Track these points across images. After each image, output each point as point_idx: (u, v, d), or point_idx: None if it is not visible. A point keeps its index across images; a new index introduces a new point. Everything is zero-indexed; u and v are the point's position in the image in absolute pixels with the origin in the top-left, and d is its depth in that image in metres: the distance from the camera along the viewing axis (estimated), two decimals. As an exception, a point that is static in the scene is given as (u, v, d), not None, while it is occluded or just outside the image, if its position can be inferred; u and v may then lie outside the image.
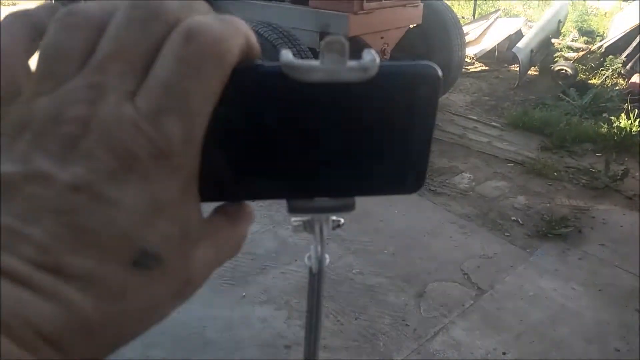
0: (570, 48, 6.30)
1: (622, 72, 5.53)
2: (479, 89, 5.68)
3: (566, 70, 5.55)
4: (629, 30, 5.76)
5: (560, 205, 3.32)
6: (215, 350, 2.15)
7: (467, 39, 5.76)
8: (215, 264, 0.24)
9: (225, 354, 2.14)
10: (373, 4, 3.80)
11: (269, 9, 4.16)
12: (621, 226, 3.10)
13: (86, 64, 0.20)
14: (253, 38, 0.22)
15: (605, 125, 4.30)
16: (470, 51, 6.25)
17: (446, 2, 5.01)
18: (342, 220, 0.30)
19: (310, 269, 0.31)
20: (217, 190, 0.24)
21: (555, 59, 6.01)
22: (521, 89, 5.61)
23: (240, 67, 0.22)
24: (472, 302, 2.46)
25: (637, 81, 4.93)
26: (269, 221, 3.04)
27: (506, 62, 6.43)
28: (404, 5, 4.12)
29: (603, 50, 5.90)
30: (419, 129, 0.25)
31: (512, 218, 3.18)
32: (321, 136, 0.24)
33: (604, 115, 4.53)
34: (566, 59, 5.98)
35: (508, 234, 3.01)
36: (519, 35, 6.42)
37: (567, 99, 4.90)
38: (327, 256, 0.31)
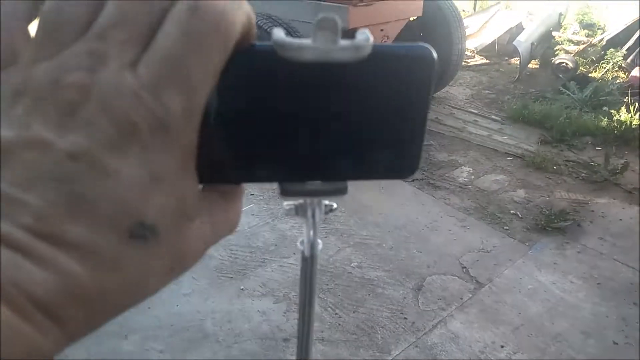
0: (571, 41, 6.29)
1: (623, 65, 5.53)
2: (479, 82, 5.67)
3: (567, 64, 5.54)
4: (630, 23, 5.75)
5: (560, 199, 3.32)
6: (213, 342, 2.15)
7: (468, 32, 5.74)
8: (210, 240, 0.24)
9: (223, 346, 2.14)
10: (373, -4, 3.79)
11: (268, 1, 4.14)
12: (620, 220, 3.10)
13: (88, 31, 0.20)
14: (253, 18, 0.22)
15: (606, 119, 4.29)
16: (471, 44, 6.25)
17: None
18: (335, 205, 0.30)
19: (303, 253, 0.30)
20: (211, 173, 0.24)
21: (556, 52, 6.01)
22: (521, 82, 5.60)
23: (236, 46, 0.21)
24: (470, 295, 2.46)
25: (638, 75, 4.92)
26: (267, 215, 3.04)
27: (507, 55, 6.42)
28: (404, -2, 4.11)
29: (604, 43, 5.89)
30: (413, 112, 0.24)
31: (512, 211, 3.18)
32: (314, 118, 0.23)
33: (604, 108, 4.53)
34: (567, 52, 5.97)
35: (507, 228, 3.01)
36: (519, 28, 6.41)
37: (568, 92, 4.90)
38: (319, 241, 0.31)
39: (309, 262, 0.31)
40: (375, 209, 3.10)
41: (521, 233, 2.97)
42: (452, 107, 4.88)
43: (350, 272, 2.58)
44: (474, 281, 2.56)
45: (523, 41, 5.53)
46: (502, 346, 2.18)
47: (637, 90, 4.70)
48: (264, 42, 0.22)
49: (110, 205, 0.18)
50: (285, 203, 0.29)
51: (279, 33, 0.21)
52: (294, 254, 2.69)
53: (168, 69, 0.19)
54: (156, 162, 0.19)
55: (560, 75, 5.44)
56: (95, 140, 0.18)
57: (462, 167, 3.74)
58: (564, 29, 6.53)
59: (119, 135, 0.19)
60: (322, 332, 2.20)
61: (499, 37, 6.41)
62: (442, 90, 5.11)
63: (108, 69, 0.19)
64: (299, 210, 0.30)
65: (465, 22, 5.70)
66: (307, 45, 0.21)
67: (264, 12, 3.77)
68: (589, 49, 5.91)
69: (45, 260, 0.17)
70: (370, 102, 0.23)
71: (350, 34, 0.21)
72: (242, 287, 2.47)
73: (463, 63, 5.23)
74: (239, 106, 0.23)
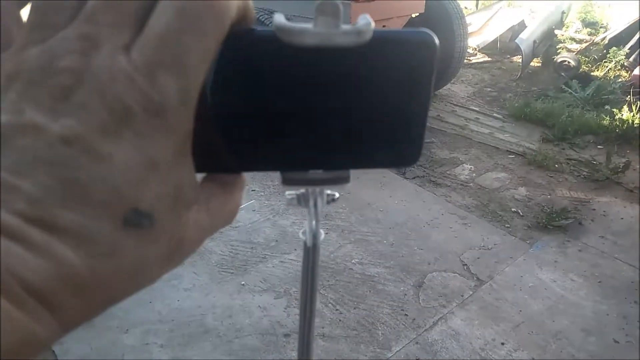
0: (573, 39, 6.27)
1: (625, 64, 5.51)
2: (481, 80, 5.66)
3: (569, 62, 5.53)
4: (633, 21, 5.73)
5: (561, 197, 3.32)
6: (214, 337, 2.16)
7: (470, 29, 5.73)
8: (208, 230, 0.24)
9: (224, 341, 2.14)
10: (375, -8, 3.78)
11: (270, -3, 4.14)
12: (622, 218, 3.10)
13: (78, 15, 0.19)
14: (250, 2, 0.22)
15: (607, 118, 4.28)
16: (473, 42, 6.23)
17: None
18: (337, 195, 0.30)
19: (305, 243, 0.30)
20: (211, 161, 0.24)
21: (558, 51, 5.99)
22: (523, 80, 5.59)
23: (235, 30, 0.21)
24: (471, 292, 2.46)
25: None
26: (268, 211, 3.04)
27: (509, 53, 6.41)
28: (407, -6, 4.11)
29: (606, 41, 5.87)
30: (415, 98, 0.24)
31: (513, 209, 3.17)
32: (315, 105, 0.23)
33: (606, 107, 4.52)
34: (569, 50, 5.95)
35: (508, 225, 3.01)
36: (522, 26, 6.39)
37: (570, 90, 4.89)
38: (322, 231, 0.31)
39: (311, 252, 0.31)
40: (376, 205, 3.10)
41: (522, 231, 2.96)
42: (454, 104, 4.87)
43: (351, 269, 2.58)
44: (475, 278, 2.56)
45: (525, 39, 5.51)
46: (503, 343, 2.18)
47: (639, 89, 4.69)
48: (262, 27, 0.22)
49: (103, 191, 0.18)
50: (287, 193, 0.29)
51: (280, 18, 0.21)
52: (295, 249, 2.69)
53: (162, 52, 0.19)
54: (151, 147, 0.19)
55: (563, 74, 5.43)
56: (88, 124, 0.18)
57: (464, 164, 3.74)
58: (567, 27, 6.51)
59: (112, 120, 0.18)
60: (322, 328, 2.20)
61: (501, 35, 6.40)
62: (444, 87, 5.10)
63: (101, 53, 0.19)
64: (301, 200, 0.29)
65: (468, 19, 5.68)
66: (309, 30, 0.21)
67: (265, 7, 3.77)
68: (591, 47, 5.89)
69: (38, 246, 0.17)
70: (372, 88, 0.23)
71: None
72: (243, 282, 2.47)
73: (465, 61, 5.22)
74: (237, 92, 0.22)
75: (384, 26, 4.00)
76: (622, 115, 4.27)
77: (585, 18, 6.89)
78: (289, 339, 2.17)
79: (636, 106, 4.29)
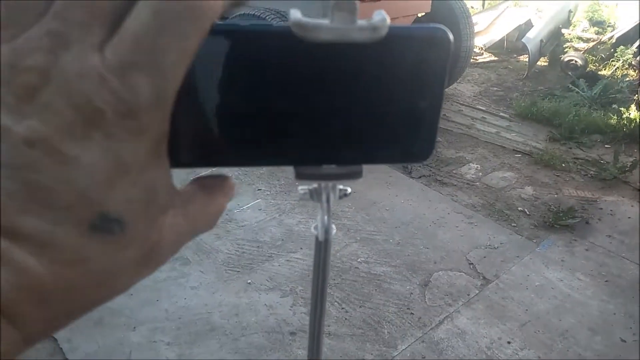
0: (580, 38, 6.23)
1: (633, 63, 5.47)
2: (488, 79, 5.64)
3: (576, 61, 5.50)
4: (640, 21, 5.69)
5: (568, 196, 3.31)
6: (220, 335, 2.17)
7: (476, 28, 5.71)
8: (187, 235, 0.23)
9: (230, 339, 2.15)
10: (381, -8, 3.78)
11: (276, -2, 4.14)
12: (629, 218, 3.08)
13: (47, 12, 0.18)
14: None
15: (615, 117, 4.26)
16: (479, 41, 6.20)
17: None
18: (349, 190, 0.30)
19: (317, 237, 0.31)
20: (222, 156, 0.24)
21: (565, 50, 5.96)
22: (530, 79, 5.57)
23: (247, 26, 0.21)
24: (477, 291, 2.46)
25: (648, 72, 4.88)
26: (274, 210, 3.04)
27: (515, 52, 6.38)
28: (413, -7, 4.10)
29: (614, 40, 5.84)
30: (429, 94, 0.24)
31: (519, 208, 3.16)
32: (329, 100, 0.23)
33: (614, 106, 4.50)
34: (576, 49, 5.92)
35: (515, 225, 3.00)
36: (528, 25, 6.36)
37: (577, 89, 4.86)
38: (333, 226, 0.31)
39: (322, 247, 0.31)
40: (382, 205, 3.10)
41: (529, 230, 2.95)
42: (461, 104, 4.86)
43: (357, 267, 2.59)
44: (481, 277, 2.55)
45: (532, 38, 5.49)
46: (509, 342, 2.18)
47: (647, 88, 4.66)
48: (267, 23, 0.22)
49: (67, 195, 0.17)
50: (300, 187, 0.29)
51: (296, 13, 0.21)
52: (301, 248, 2.70)
53: (137, 52, 0.18)
54: (122, 150, 0.18)
55: (570, 73, 5.40)
56: (52, 125, 0.17)
57: (470, 164, 3.73)
58: (574, 27, 6.47)
59: (80, 121, 0.17)
60: (329, 326, 2.21)
61: (507, 34, 6.37)
62: (451, 87, 5.09)
63: (70, 51, 0.18)
64: (314, 195, 0.29)
65: (474, 19, 5.67)
66: (325, 26, 0.21)
67: (271, 8, 3.76)
68: (598, 46, 5.85)
69: None
70: (386, 84, 0.23)
71: None
72: (249, 281, 2.48)
73: (472, 60, 5.20)
74: (249, 88, 0.22)
75: (390, 25, 4.00)
76: (629, 114, 4.24)
77: (592, 17, 6.85)
78: (294, 337, 2.18)
79: (644, 105, 4.27)
